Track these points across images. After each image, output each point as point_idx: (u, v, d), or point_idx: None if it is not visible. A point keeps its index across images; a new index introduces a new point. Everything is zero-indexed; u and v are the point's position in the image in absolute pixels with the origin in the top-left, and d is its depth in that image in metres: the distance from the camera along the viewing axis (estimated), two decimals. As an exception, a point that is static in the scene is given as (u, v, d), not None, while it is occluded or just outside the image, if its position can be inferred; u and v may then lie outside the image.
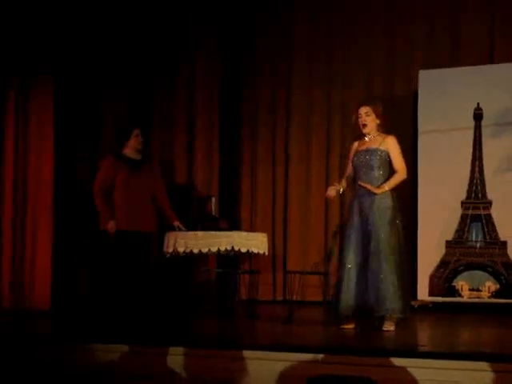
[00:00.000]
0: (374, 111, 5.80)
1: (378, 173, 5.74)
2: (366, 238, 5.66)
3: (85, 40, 7.95)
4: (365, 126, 5.80)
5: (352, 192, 5.97)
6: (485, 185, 7.51)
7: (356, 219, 5.76)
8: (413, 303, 6.72)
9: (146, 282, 6.46)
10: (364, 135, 5.86)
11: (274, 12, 8.83)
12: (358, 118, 5.83)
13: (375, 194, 5.65)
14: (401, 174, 5.75)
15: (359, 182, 5.77)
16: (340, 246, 5.92)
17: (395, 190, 5.75)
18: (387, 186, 5.69)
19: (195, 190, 8.57)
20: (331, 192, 5.84)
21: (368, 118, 5.79)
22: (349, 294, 5.66)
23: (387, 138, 5.78)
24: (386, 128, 5.86)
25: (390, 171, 5.78)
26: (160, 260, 6.94)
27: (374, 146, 5.77)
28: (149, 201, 6.57)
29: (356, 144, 5.95)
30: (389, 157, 5.76)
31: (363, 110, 5.80)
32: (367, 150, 5.78)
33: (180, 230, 6.71)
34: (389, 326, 5.53)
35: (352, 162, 5.90)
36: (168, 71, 8.73)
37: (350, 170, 5.98)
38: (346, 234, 5.85)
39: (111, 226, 6.35)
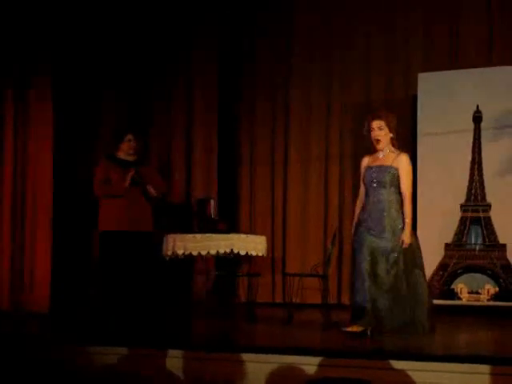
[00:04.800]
0: (388, 125, 5.61)
1: (389, 190, 5.61)
2: (382, 252, 5.55)
3: (84, 40, 7.99)
4: (378, 141, 5.62)
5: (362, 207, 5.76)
6: (484, 187, 7.50)
7: (366, 233, 5.60)
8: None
9: (145, 283, 6.46)
10: (376, 150, 5.70)
11: (273, 12, 8.83)
12: (370, 131, 5.65)
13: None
14: (408, 199, 5.61)
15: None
16: (353, 259, 5.82)
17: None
18: (407, 223, 5.55)
19: (194, 191, 8.55)
20: None
21: (381, 133, 5.60)
22: (374, 308, 5.51)
23: (400, 156, 5.64)
24: (398, 142, 5.71)
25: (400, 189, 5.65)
26: (159, 262, 6.94)
27: (387, 163, 5.63)
28: (144, 201, 6.60)
29: (366, 160, 5.78)
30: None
31: (376, 125, 5.60)
32: (380, 167, 5.63)
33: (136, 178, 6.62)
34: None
35: (363, 177, 5.73)
36: (167, 71, 8.73)
37: (363, 190, 5.80)
38: (356, 247, 5.66)
39: (130, 172, 6.44)
